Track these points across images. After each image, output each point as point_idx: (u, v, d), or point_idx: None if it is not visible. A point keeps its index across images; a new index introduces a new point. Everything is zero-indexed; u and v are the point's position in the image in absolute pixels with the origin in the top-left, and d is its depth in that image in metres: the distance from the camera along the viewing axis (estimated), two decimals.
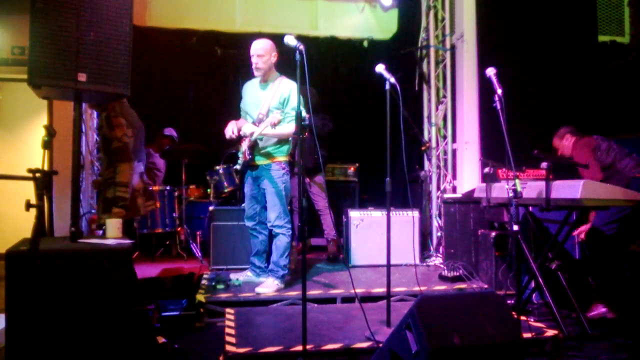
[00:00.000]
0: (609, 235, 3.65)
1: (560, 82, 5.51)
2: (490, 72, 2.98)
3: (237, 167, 3.92)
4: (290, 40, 2.64)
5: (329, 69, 6.63)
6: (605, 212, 3.61)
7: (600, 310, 3.45)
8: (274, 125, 3.58)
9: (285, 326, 3.11)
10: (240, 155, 3.90)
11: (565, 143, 4.14)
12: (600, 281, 3.63)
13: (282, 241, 3.82)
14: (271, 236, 3.97)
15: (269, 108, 3.77)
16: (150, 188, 5.36)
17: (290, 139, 3.90)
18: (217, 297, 3.56)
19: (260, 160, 3.85)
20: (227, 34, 6.30)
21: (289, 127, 3.75)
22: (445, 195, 5.13)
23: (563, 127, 4.23)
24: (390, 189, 3.03)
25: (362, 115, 6.62)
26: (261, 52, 3.76)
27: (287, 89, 3.76)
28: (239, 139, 3.91)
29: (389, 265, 3.02)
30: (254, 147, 3.81)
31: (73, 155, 2.87)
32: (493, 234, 3.98)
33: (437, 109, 5.86)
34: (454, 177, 5.59)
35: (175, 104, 6.32)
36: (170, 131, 5.99)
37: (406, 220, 4.90)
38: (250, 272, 4.11)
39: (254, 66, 3.78)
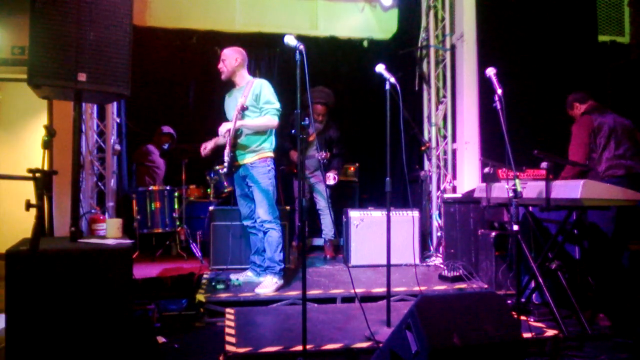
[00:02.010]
0: (610, 235, 3.65)
1: (560, 82, 5.50)
2: (490, 72, 2.98)
3: (225, 170, 3.96)
4: (290, 40, 2.64)
5: (329, 69, 6.62)
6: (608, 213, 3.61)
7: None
8: (241, 110, 3.74)
9: (285, 326, 3.11)
10: (226, 157, 3.93)
11: (575, 112, 4.13)
12: (599, 280, 3.63)
13: (273, 237, 3.85)
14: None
15: (243, 105, 3.84)
16: (150, 188, 5.38)
17: (273, 135, 3.96)
18: (217, 297, 3.56)
19: (244, 159, 3.88)
20: (227, 34, 6.30)
21: (264, 119, 3.81)
22: (445, 195, 5.14)
23: (572, 94, 4.19)
24: (390, 189, 3.03)
25: (362, 115, 6.62)
26: (224, 57, 3.95)
27: (257, 86, 3.85)
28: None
29: (389, 265, 3.02)
30: (235, 145, 3.84)
31: (73, 155, 2.87)
32: (493, 234, 3.99)
33: (437, 109, 5.86)
34: (454, 177, 5.59)
35: (175, 104, 6.32)
36: (168, 129, 5.99)
37: (406, 220, 4.90)
38: (250, 272, 4.12)
39: (220, 71, 3.96)
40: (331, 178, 5.08)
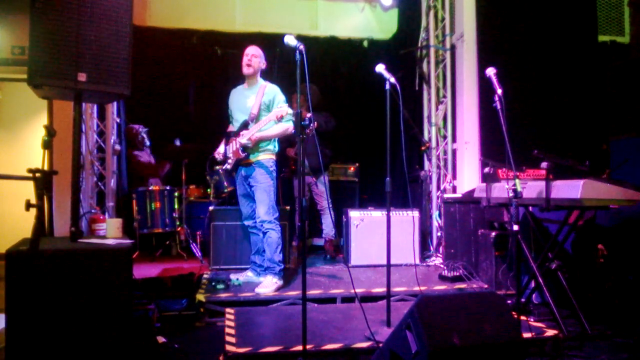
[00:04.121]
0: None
1: (560, 82, 5.50)
2: (490, 72, 2.98)
3: (228, 167, 3.98)
4: (290, 40, 2.64)
5: (329, 69, 6.63)
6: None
7: None
8: (279, 118, 3.70)
9: (285, 326, 3.11)
10: (230, 155, 3.93)
11: None
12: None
13: (273, 237, 3.86)
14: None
15: (260, 107, 3.87)
16: (151, 188, 5.37)
17: (276, 137, 3.98)
18: (217, 297, 3.56)
19: (247, 158, 3.90)
20: (227, 34, 6.31)
21: (282, 127, 3.86)
22: (445, 195, 5.14)
23: None
24: (390, 189, 3.03)
25: (362, 115, 6.62)
26: (257, 53, 3.96)
27: (272, 92, 3.89)
28: (228, 138, 3.98)
29: (389, 265, 3.02)
30: (245, 146, 3.86)
31: (73, 155, 2.87)
32: (493, 234, 3.99)
33: (437, 109, 5.85)
34: (454, 177, 5.58)
35: (175, 104, 6.32)
36: (137, 126, 5.97)
37: (406, 220, 4.90)
38: (250, 272, 4.12)
39: (246, 63, 3.93)
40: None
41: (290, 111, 3.71)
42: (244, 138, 3.81)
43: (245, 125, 3.90)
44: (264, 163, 3.88)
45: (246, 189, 4.00)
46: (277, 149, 4.02)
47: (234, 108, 4.08)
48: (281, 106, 3.72)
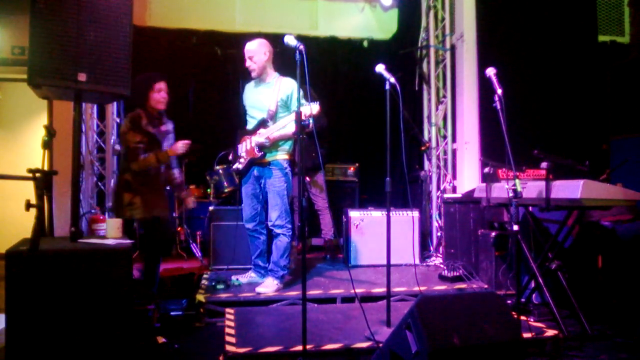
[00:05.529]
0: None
1: (560, 82, 5.51)
2: (490, 72, 2.98)
3: (239, 166, 3.91)
4: (290, 40, 2.64)
5: (329, 69, 6.63)
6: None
7: None
8: (309, 117, 3.51)
9: (285, 326, 3.11)
10: (243, 154, 3.89)
11: None
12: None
13: (282, 242, 3.82)
14: (271, 235, 3.96)
15: (277, 104, 3.75)
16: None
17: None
18: (217, 297, 3.56)
19: (262, 158, 3.83)
20: (227, 34, 6.31)
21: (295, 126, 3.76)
22: (445, 195, 5.14)
23: None
24: (390, 189, 3.03)
25: (362, 115, 6.62)
26: (251, 53, 3.77)
27: (289, 88, 3.75)
28: (240, 137, 3.94)
29: (389, 265, 3.02)
30: (262, 145, 3.76)
31: (73, 155, 2.86)
32: (493, 234, 3.98)
33: (437, 109, 5.86)
34: (454, 177, 5.59)
35: (175, 104, 6.31)
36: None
37: (406, 220, 4.90)
38: (254, 273, 4.08)
39: (248, 68, 3.82)
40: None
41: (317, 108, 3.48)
42: (261, 137, 3.69)
43: (262, 123, 3.76)
44: (280, 163, 3.78)
45: (256, 188, 3.91)
46: (291, 148, 3.91)
47: (248, 105, 3.93)
48: (308, 105, 3.46)
